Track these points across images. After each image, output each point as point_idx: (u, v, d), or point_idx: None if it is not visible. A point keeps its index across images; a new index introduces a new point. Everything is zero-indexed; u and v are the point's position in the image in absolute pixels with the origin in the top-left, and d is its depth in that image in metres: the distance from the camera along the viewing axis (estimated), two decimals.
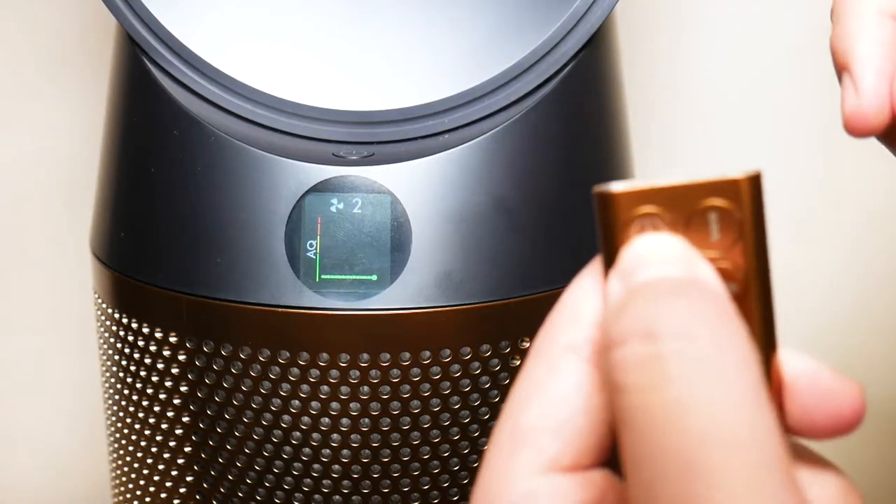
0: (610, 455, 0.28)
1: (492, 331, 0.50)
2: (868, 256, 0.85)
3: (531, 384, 0.28)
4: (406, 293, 0.49)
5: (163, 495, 0.55)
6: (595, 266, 0.29)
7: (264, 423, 0.50)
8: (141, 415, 0.54)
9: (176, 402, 0.52)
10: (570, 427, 0.28)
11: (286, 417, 0.50)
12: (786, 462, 0.25)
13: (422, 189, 0.49)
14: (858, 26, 0.40)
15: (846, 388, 0.28)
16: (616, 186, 0.27)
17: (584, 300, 0.29)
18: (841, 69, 0.40)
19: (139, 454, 0.55)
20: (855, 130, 0.39)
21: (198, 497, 0.53)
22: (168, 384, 0.52)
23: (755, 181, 0.27)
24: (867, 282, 0.85)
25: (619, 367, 0.26)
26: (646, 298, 0.26)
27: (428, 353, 0.49)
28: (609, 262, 0.28)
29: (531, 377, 0.29)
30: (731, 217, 0.27)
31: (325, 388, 0.49)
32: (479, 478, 0.28)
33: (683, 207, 0.27)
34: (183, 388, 0.52)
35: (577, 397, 0.28)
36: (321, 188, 0.49)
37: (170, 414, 0.53)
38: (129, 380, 0.54)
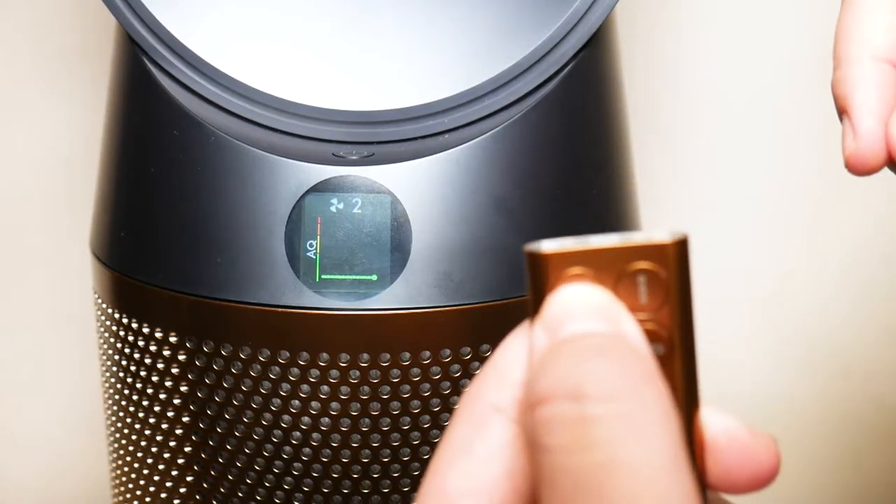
0: None
1: (492, 331, 0.50)
2: (869, 257, 0.85)
3: (457, 444, 0.28)
4: (406, 293, 0.49)
5: (163, 495, 0.55)
6: (524, 326, 0.29)
7: (264, 423, 0.50)
8: (141, 415, 0.54)
9: (176, 402, 0.52)
10: (496, 490, 0.28)
11: (286, 417, 0.50)
12: None
13: (422, 189, 0.49)
14: (856, 72, 0.42)
15: (762, 445, 0.29)
16: (546, 246, 0.28)
17: (512, 359, 0.29)
18: (841, 112, 0.42)
19: (139, 454, 0.55)
20: (855, 170, 0.42)
21: (198, 497, 0.53)
22: (168, 384, 0.52)
23: (682, 245, 0.28)
24: (868, 283, 0.85)
25: (544, 426, 0.26)
26: (571, 356, 0.26)
27: (428, 353, 0.49)
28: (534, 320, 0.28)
29: (457, 436, 0.28)
30: (658, 279, 0.28)
31: (325, 388, 0.49)
32: None
33: (612, 269, 0.28)
34: (183, 389, 0.52)
35: (502, 459, 0.28)
36: (321, 188, 0.49)
37: (170, 414, 0.53)
38: (129, 380, 0.54)
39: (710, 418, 0.29)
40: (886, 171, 0.42)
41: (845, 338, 0.85)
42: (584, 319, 0.27)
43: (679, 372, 0.28)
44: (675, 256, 0.28)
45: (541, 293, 0.28)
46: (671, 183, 0.83)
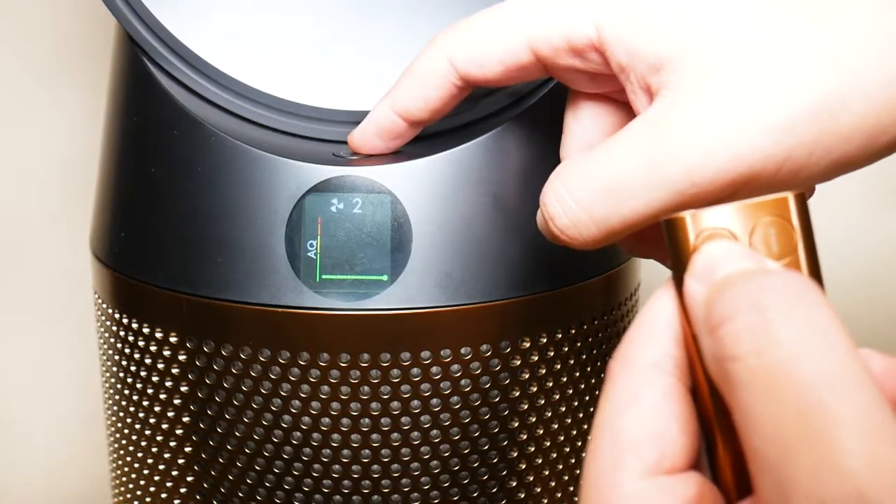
0: (697, 459, 0.32)
1: (492, 331, 0.50)
2: (864, 258, 0.85)
3: (621, 399, 0.32)
4: (406, 293, 0.49)
5: (163, 495, 0.55)
6: (666, 289, 0.33)
7: (264, 423, 0.50)
8: (141, 415, 0.54)
9: (176, 402, 0.52)
10: (666, 434, 0.31)
11: (286, 417, 0.50)
12: (884, 400, 0.28)
13: (422, 189, 0.49)
14: None
15: None
16: (683, 212, 0.32)
17: (660, 320, 0.32)
18: None
19: (139, 454, 0.55)
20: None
21: (198, 497, 0.53)
22: (168, 384, 0.52)
23: (801, 196, 0.32)
24: (865, 289, 0.85)
25: (732, 339, 0.29)
26: (741, 282, 0.30)
27: (428, 353, 0.49)
28: (676, 283, 0.32)
29: (619, 393, 0.32)
30: (785, 229, 0.32)
31: (326, 388, 0.49)
32: (587, 488, 0.32)
33: (745, 225, 0.32)
34: (183, 389, 0.52)
35: (667, 407, 0.32)
36: (321, 188, 0.49)
37: (170, 414, 0.53)
38: (129, 380, 0.54)
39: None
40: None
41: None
42: (733, 262, 0.31)
43: None
44: (798, 206, 0.32)
45: (683, 254, 0.32)
46: None
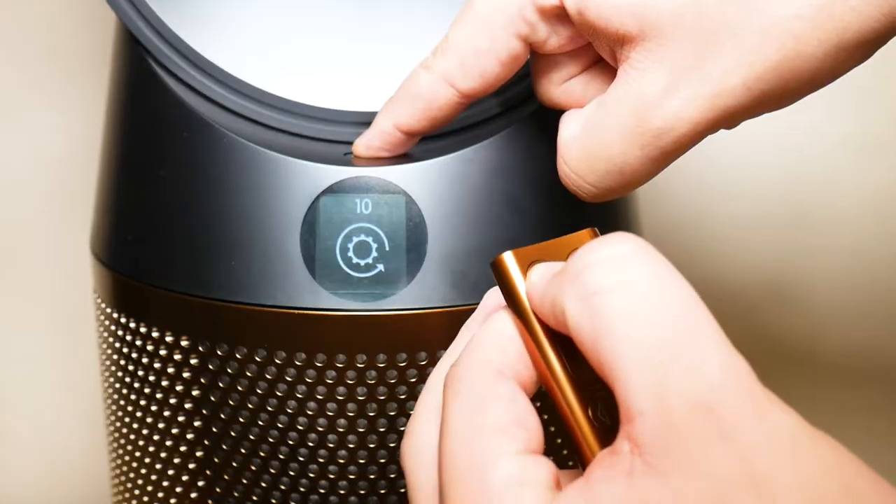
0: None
1: None
2: (868, 258, 0.85)
3: (478, 395, 0.35)
4: (422, 293, 0.49)
5: (172, 501, 0.54)
6: (502, 313, 0.37)
7: (280, 425, 0.50)
8: (149, 420, 0.54)
9: (187, 406, 0.52)
10: (528, 420, 0.35)
11: (302, 420, 0.50)
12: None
13: (436, 189, 0.49)
14: None
15: None
16: (504, 254, 0.37)
17: (502, 337, 0.36)
18: None
19: (145, 459, 0.55)
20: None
21: (209, 501, 0.53)
22: (179, 388, 0.52)
23: (595, 231, 0.38)
24: (867, 285, 0.85)
25: (598, 275, 0.33)
26: (592, 246, 0.34)
27: (444, 353, 0.49)
28: (514, 309, 0.36)
29: (475, 391, 0.35)
30: None
31: (342, 389, 0.49)
32: (453, 477, 0.34)
33: (557, 256, 0.37)
34: (195, 393, 0.51)
35: (521, 400, 0.35)
36: (336, 189, 0.49)
37: (180, 418, 0.52)
38: (135, 384, 0.54)
39: None
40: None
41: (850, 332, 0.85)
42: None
43: None
44: (596, 236, 0.38)
45: (512, 286, 0.36)
46: (671, 181, 0.83)
